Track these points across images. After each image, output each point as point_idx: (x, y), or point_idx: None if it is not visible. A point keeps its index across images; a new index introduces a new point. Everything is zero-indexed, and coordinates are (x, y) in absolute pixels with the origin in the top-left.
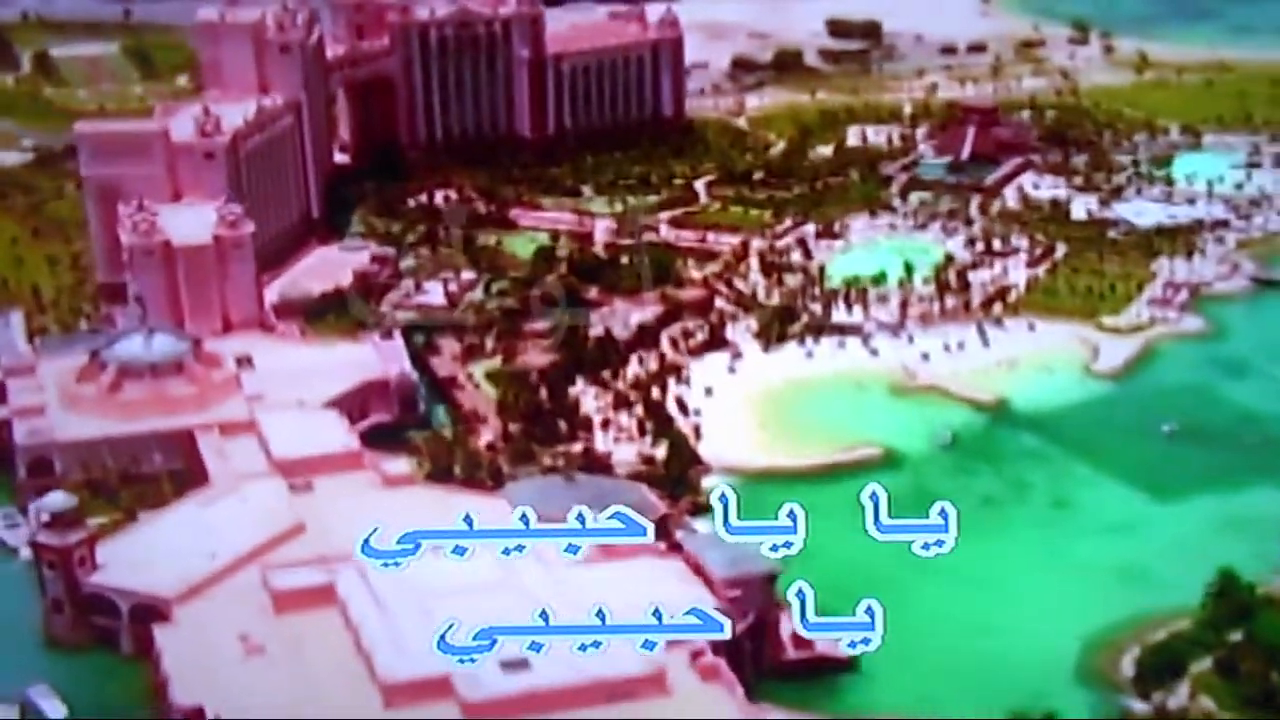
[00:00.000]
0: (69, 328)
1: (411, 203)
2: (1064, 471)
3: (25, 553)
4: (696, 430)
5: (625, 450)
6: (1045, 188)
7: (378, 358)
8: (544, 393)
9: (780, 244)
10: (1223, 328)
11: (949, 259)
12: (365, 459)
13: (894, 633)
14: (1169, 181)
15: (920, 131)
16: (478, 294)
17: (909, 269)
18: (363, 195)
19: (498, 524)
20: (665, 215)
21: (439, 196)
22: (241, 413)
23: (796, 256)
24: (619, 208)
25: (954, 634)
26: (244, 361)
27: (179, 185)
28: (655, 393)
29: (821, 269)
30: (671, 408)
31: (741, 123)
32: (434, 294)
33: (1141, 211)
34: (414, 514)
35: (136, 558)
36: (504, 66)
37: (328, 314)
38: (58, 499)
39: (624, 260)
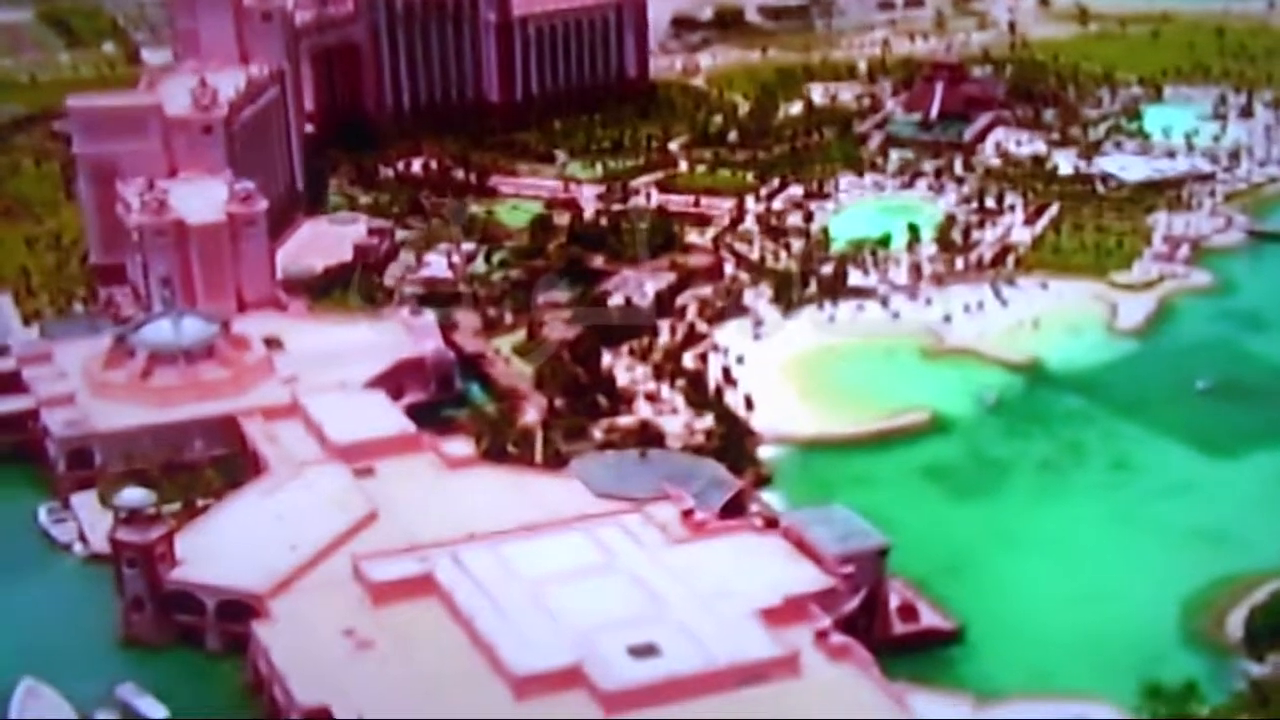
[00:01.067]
0: (62, 310)
1: (387, 171)
2: (1113, 432)
3: (79, 547)
4: (748, 401)
5: (671, 423)
6: (1023, 143)
7: (409, 335)
8: (578, 366)
9: (775, 207)
10: (1229, 282)
11: (951, 219)
12: (424, 441)
13: (989, 602)
14: (1145, 135)
15: (882, 88)
16: (479, 265)
17: (914, 230)
18: (333, 165)
19: (570, 501)
20: (648, 179)
21: (416, 165)
22: (282, 396)
23: (793, 219)
24: (597, 172)
25: (1049, 603)
26: (273, 343)
27: (175, 161)
28: (688, 362)
29: (825, 231)
30: (713, 377)
31: (699, 83)
32: (437, 267)
33: (1126, 166)
34: (486, 496)
35: (214, 551)
36: (471, 31)
37: (332, 290)
38: (138, 495)
39: (623, 227)
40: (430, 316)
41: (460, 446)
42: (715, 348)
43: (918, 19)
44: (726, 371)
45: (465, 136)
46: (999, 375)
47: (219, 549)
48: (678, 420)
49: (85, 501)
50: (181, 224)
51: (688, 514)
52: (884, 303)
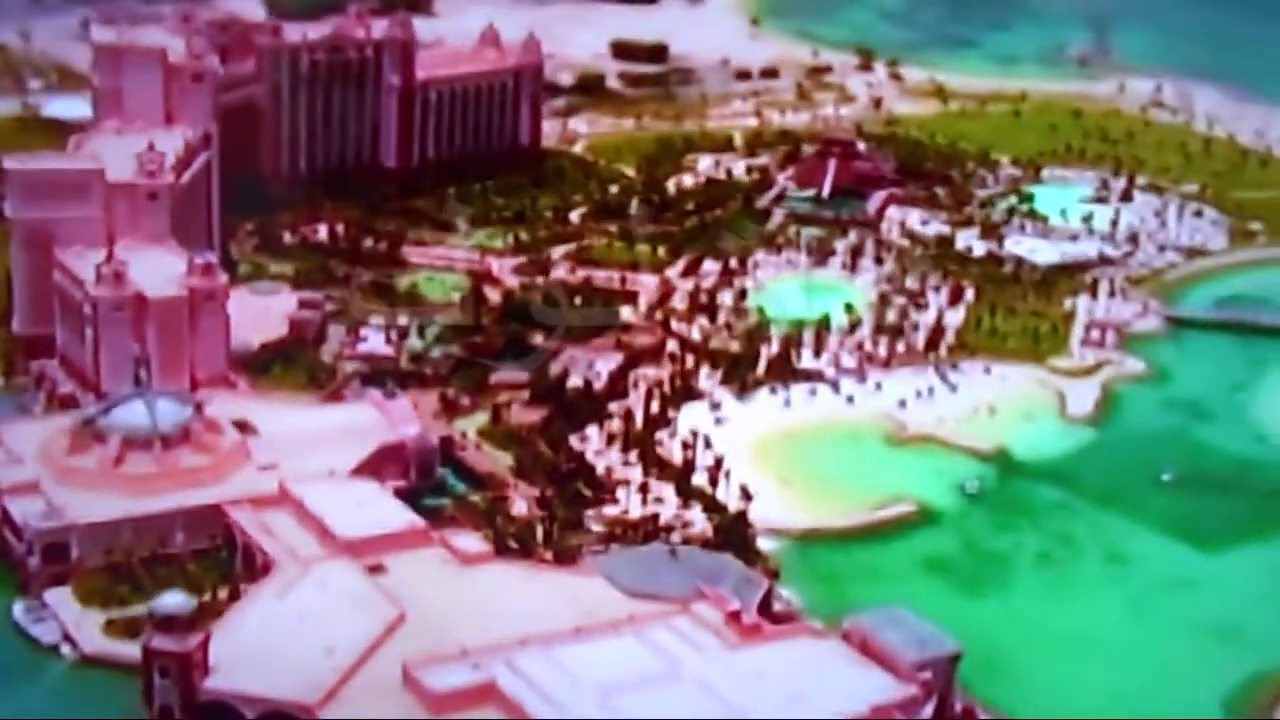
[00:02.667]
0: None
1: (289, 238)
2: (1098, 524)
3: (67, 650)
4: (745, 492)
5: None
6: (924, 223)
7: (384, 419)
8: (545, 450)
9: (693, 283)
10: (1161, 369)
11: (884, 299)
12: (432, 535)
13: (1033, 704)
14: (1042, 218)
15: (764, 160)
16: (414, 341)
17: (850, 310)
18: (230, 230)
19: (602, 601)
20: (560, 251)
21: (322, 231)
22: (267, 485)
23: (720, 297)
24: (502, 243)
25: (1093, 702)
26: (244, 426)
27: (115, 228)
28: (652, 446)
29: (761, 310)
30: (682, 462)
31: (579, 150)
32: (374, 342)
33: (1035, 249)
34: (511, 596)
35: (243, 657)
36: (373, 94)
37: (272, 367)
38: (177, 600)
39: (563, 304)
40: (405, 399)
41: (471, 541)
42: (694, 435)
43: (779, 89)
44: (719, 462)
45: (361, 202)
46: (967, 463)
47: (248, 655)
48: (665, 510)
49: (62, 598)
50: (141, 297)
51: (734, 616)
52: (834, 387)
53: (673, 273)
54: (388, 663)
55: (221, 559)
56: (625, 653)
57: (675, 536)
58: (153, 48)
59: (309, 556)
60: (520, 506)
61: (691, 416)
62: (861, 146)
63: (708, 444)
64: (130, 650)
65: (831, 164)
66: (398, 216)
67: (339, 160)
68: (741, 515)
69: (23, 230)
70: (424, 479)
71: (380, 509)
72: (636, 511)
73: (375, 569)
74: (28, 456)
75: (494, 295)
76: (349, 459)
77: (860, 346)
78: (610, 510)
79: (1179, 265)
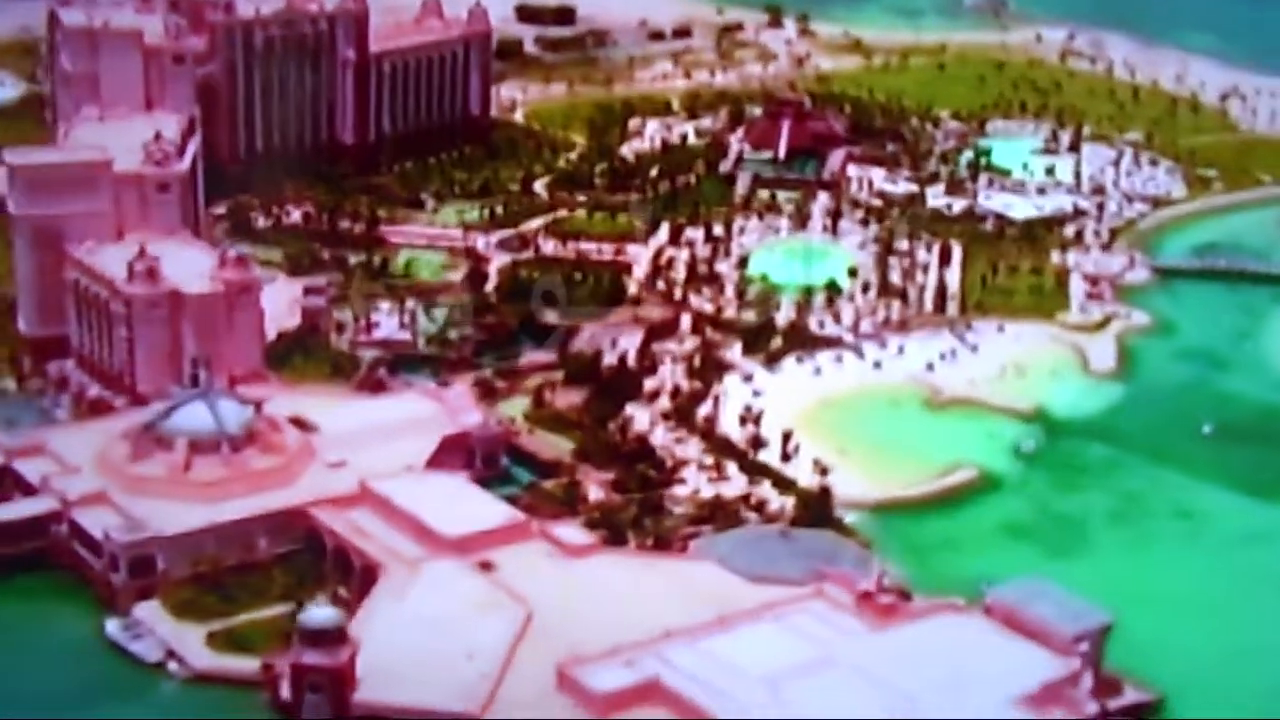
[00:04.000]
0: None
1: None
2: (1157, 480)
3: (175, 667)
4: (819, 466)
5: (726, 490)
6: (894, 182)
7: (442, 409)
8: (603, 432)
9: (688, 252)
10: (1165, 320)
11: (882, 261)
12: (534, 527)
13: (1169, 667)
14: (1004, 172)
15: (708, 123)
16: (426, 325)
17: (853, 274)
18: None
19: (723, 587)
20: (536, 225)
21: (295, 214)
22: (342, 484)
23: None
24: (471, 218)
25: (1227, 662)
26: (301, 423)
27: (124, 222)
28: (710, 423)
29: (765, 278)
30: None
31: (518, 118)
32: (388, 328)
33: (1010, 204)
34: (630, 587)
35: (384, 667)
36: (328, 69)
37: (291, 358)
38: (327, 614)
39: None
40: (461, 388)
41: (575, 533)
42: (748, 409)
43: (698, 49)
44: (788, 436)
45: (321, 181)
46: (1010, 424)
47: (388, 664)
48: (732, 489)
49: (154, 613)
50: (177, 294)
51: (866, 596)
52: (858, 353)
53: (654, 242)
54: (530, 664)
55: (306, 563)
56: (773, 640)
57: (756, 516)
58: (129, 30)
59: (415, 557)
60: (595, 493)
61: (728, 390)
62: (808, 106)
63: (759, 419)
64: (243, 664)
65: (785, 125)
66: (360, 194)
67: (296, 139)
68: (825, 491)
69: (29, 227)
70: (489, 469)
71: (472, 503)
72: (707, 492)
73: (485, 566)
74: (84, 466)
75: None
76: (417, 452)
77: (875, 311)
78: (678, 491)
79: (1148, 215)
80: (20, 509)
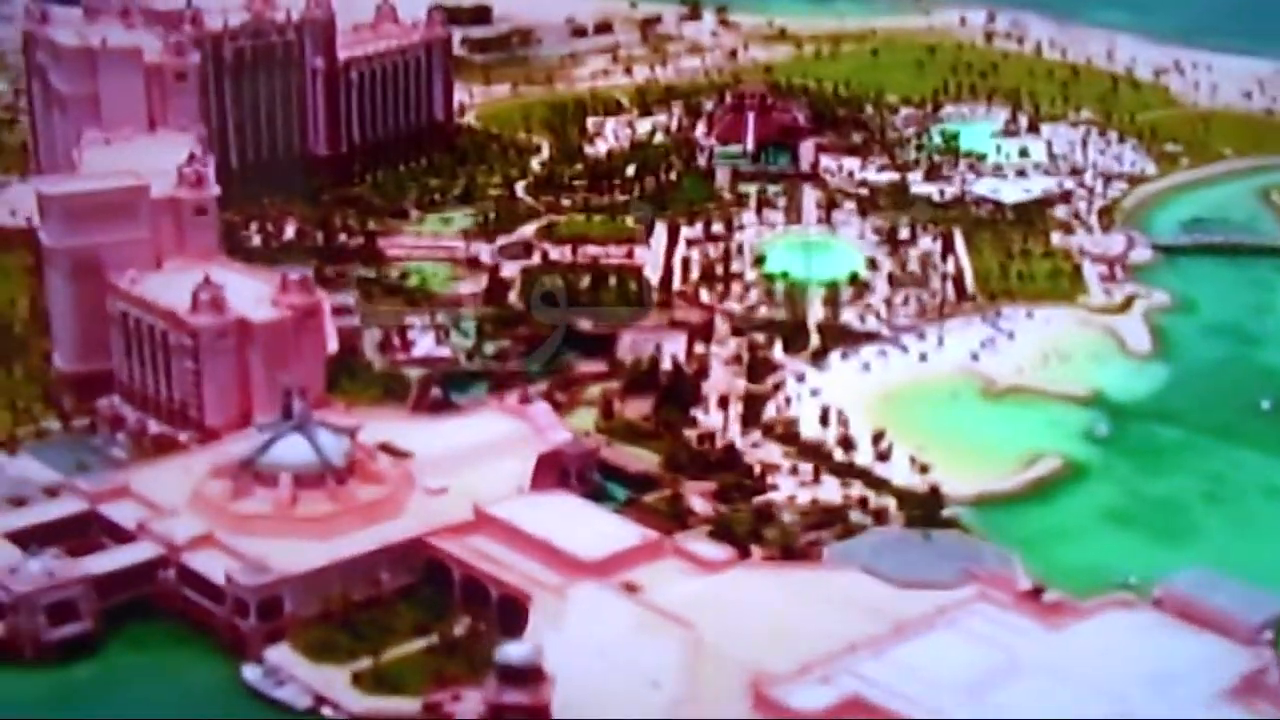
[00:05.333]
0: (42, 434)
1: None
2: (1236, 461)
3: (329, 712)
4: (920, 464)
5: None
6: (874, 171)
7: (529, 426)
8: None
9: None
10: (1185, 298)
11: (901, 254)
12: (667, 544)
13: None
14: (979, 156)
15: (663, 118)
16: (460, 339)
17: (873, 266)
18: None
19: (875, 594)
20: (530, 230)
21: (289, 230)
22: (454, 511)
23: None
24: (457, 226)
25: None
26: (393, 450)
27: (162, 248)
28: (792, 425)
29: (786, 274)
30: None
31: (472, 121)
32: (425, 345)
33: (995, 189)
34: (784, 599)
35: (568, 700)
36: (298, 80)
37: (338, 380)
38: (525, 650)
39: (581, 284)
40: (543, 405)
41: (709, 547)
42: (826, 408)
43: (626, 45)
44: (879, 435)
45: (297, 195)
46: (1071, 410)
47: (573, 698)
48: (825, 491)
49: (286, 657)
50: (244, 323)
51: (1027, 595)
52: (900, 346)
53: (656, 242)
54: (713, 688)
55: (430, 595)
56: (957, 647)
57: (864, 517)
58: (129, 48)
59: (556, 584)
60: (697, 504)
61: (790, 391)
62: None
63: (846, 420)
64: (401, 705)
65: (750, 118)
66: (339, 207)
67: (270, 152)
68: (934, 490)
69: (66, 259)
70: (584, 486)
71: (598, 523)
72: (802, 497)
73: (630, 588)
74: (178, 507)
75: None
76: (515, 474)
77: (906, 302)
78: (774, 496)
79: (1128, 193)
80: (124, 556)
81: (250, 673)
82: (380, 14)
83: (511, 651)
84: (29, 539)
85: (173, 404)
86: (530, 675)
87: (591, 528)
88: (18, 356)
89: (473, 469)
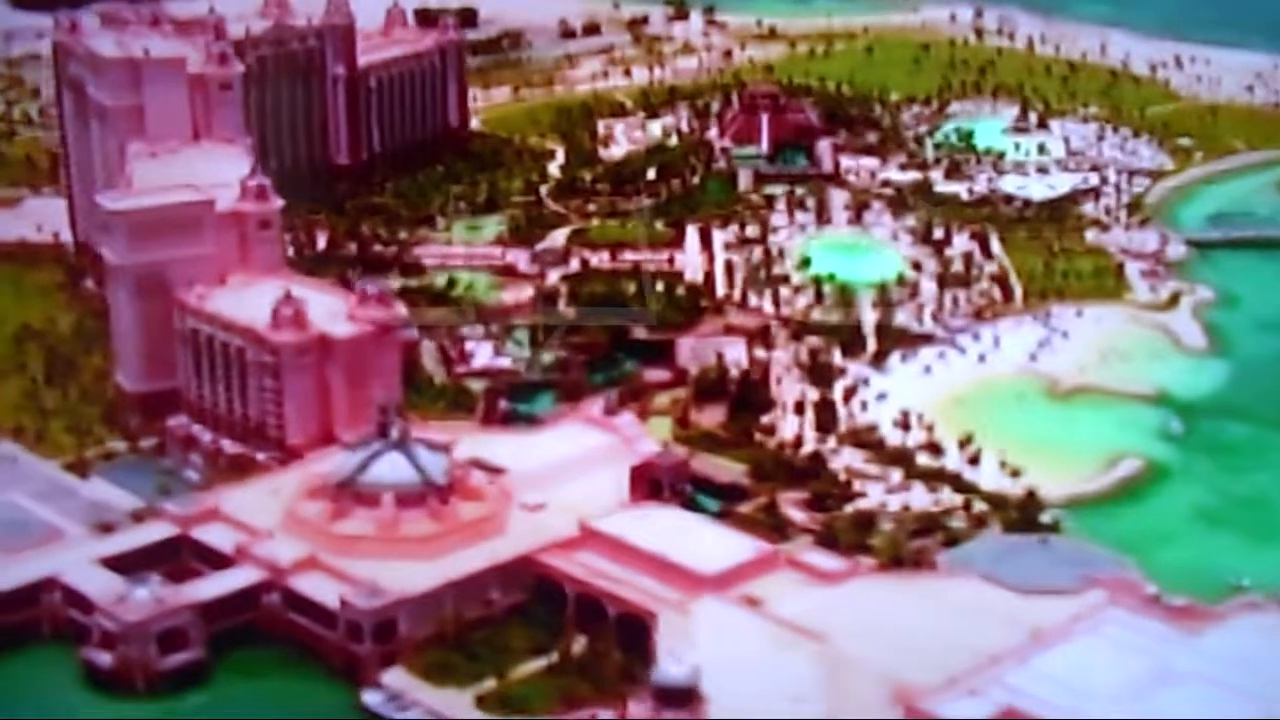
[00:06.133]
0: (111, 455)
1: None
2: None
3: None
4: (1013, 469)
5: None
6: (898, 170)
7: (618, 438)
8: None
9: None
10: (1225, 293)
11: (945, 256)
12: (781, 556)
13: None
14: (999, 154)
15: (670, 120)
16: (516, 349)
17: (918, 268)
18: None
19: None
20: (561, 236)
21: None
22: (557, 526)
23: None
24: (488, 233)
25: None
26: (485, 466)
27: (227, 263)
28: (870, 430)
29: (832, 276)
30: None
31: (478, 125)
32: (484, 356)
33: (1022, 186)
34: (904, 609)
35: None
36: (319, 87)
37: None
38: (683, 671)
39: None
40: (628, 415)
41: (824, 558)
42: (905, 414)
43: (621, 47)
44: (966, 440)
45: (321, 204)
46: (1140, 409)
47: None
48: (913, 497)
49: (404, 680)
50: (326, 339)
51: (1155, 599)
52: (958, 347)
53: (690, 246)
54: (855, 701)
55: (541, 613)
56: (1100, 655)
57: (961, 523)
58: (174, 58)
59: (676, 599)
60: (797, 514)
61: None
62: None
63: (931, 425)
64: None
65: (764, 118)
66: (363, 216)
67: (292, 161)
68: (1031, 494)
69: (133, 277)
70: (676, 497)
71: (708, 536)
72: (892, 503)
73: (752, 602)
74: (274, 529)
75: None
76: (610, 487)
77: (957, 303)
78: (863, 504)
79: (1150, 189)
80: (228, 581)
81: (371, 698)
82: (390, 19)
83: (670, 672)
84: (121, 565)
85: (248, 423)
86: (689, 696)
87: (703, 541)
88: (69, 376)
89: (567, 483)
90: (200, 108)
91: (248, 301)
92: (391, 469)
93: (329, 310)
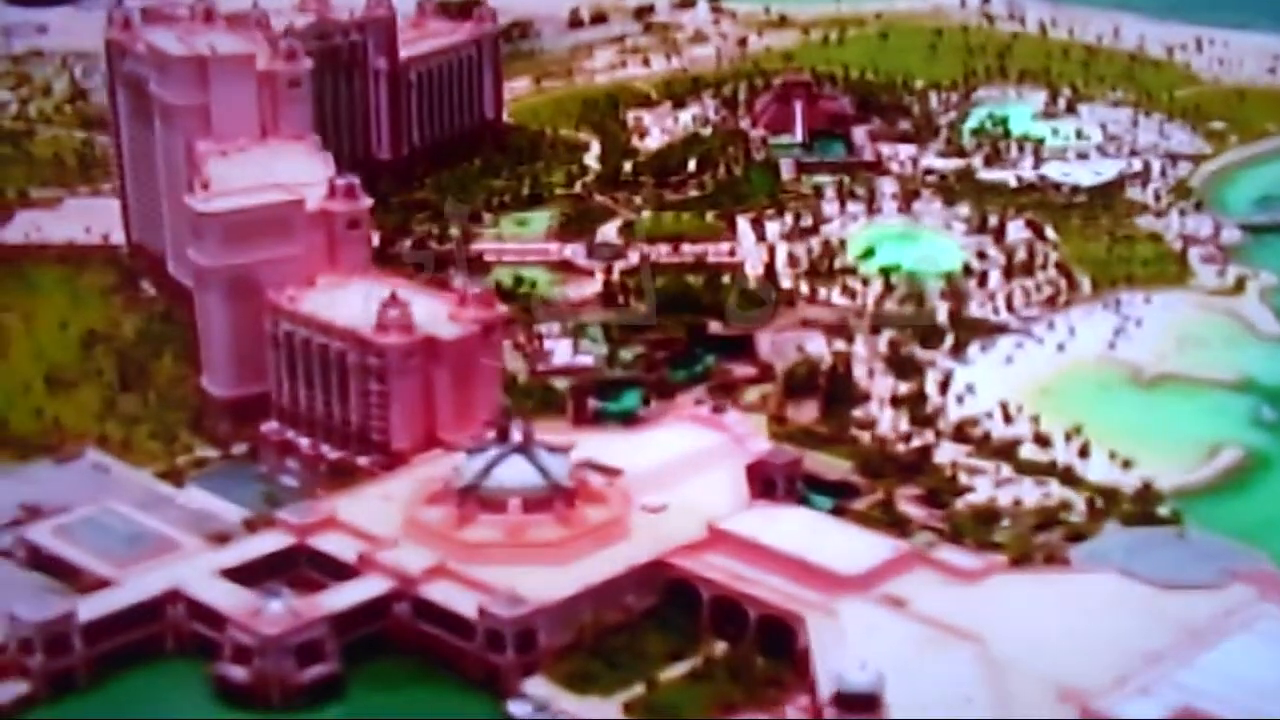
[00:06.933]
0: (203, 463)
1: None
2: None
3: None
4: (1125, 460)
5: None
6: (931, 158)
7: (726, 436)
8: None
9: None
10: None
11: (1007, 244)
12: (917, 556)
13: None
14: (1037, 140)
15: (696, 111)
16: (592, 346)
17: (983, 256)
18: None
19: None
20: (611, 230)
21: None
22: (684, 528)
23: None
24: (538, 228)
25: None
26: (600, 467)
27: (316, 264)
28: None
29: (899, 266)
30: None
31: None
32: (564, 354)
33: (1068, 172)
34: (1048, 606)
35: None
36: (361, 82)
37: None
38: (868, 677)
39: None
40: (735, 413)
41: (961, 556)
42: (1005, 405)
43: (629, 36)
44: (1073, 432)
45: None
46: (1227, 397)
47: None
48: (1022, 490)
49: (545, 690)
50: (432, 340)
51: None
52: (1035, 337)
53: (746, 236)
54: (1023, 703)
55: (674, 617)
56: (1266, 651)
57: (1077, 516)
58: (242, 54)
59: (821, 602)
60: (915, 510)
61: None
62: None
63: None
64: None
65: (799, 106)
66: (407, 211)
67: (335, 157)
68: (1148, 486)
69: (223, 279)
70: (789, 496)
71: (839, 535)
72: (1002, 497)
73: (896, 602)
74: (394, 535)
75: (592, 286)
76: (725, 486)
77: (1028, 292)
78: (972, 499)
79: (1193, 173)
80: (360, 591)
81: (518, 708)
82: (421, 10)
83: (853, 677)
84: (240, 576)
85: (348, 427)
86: (872, 702)
87: (837, 540)
88: (143, 382)
89: (683, 484)
90: (268, 105)
91: (342, 303)
92: (516, 473)
93: (429, 311)
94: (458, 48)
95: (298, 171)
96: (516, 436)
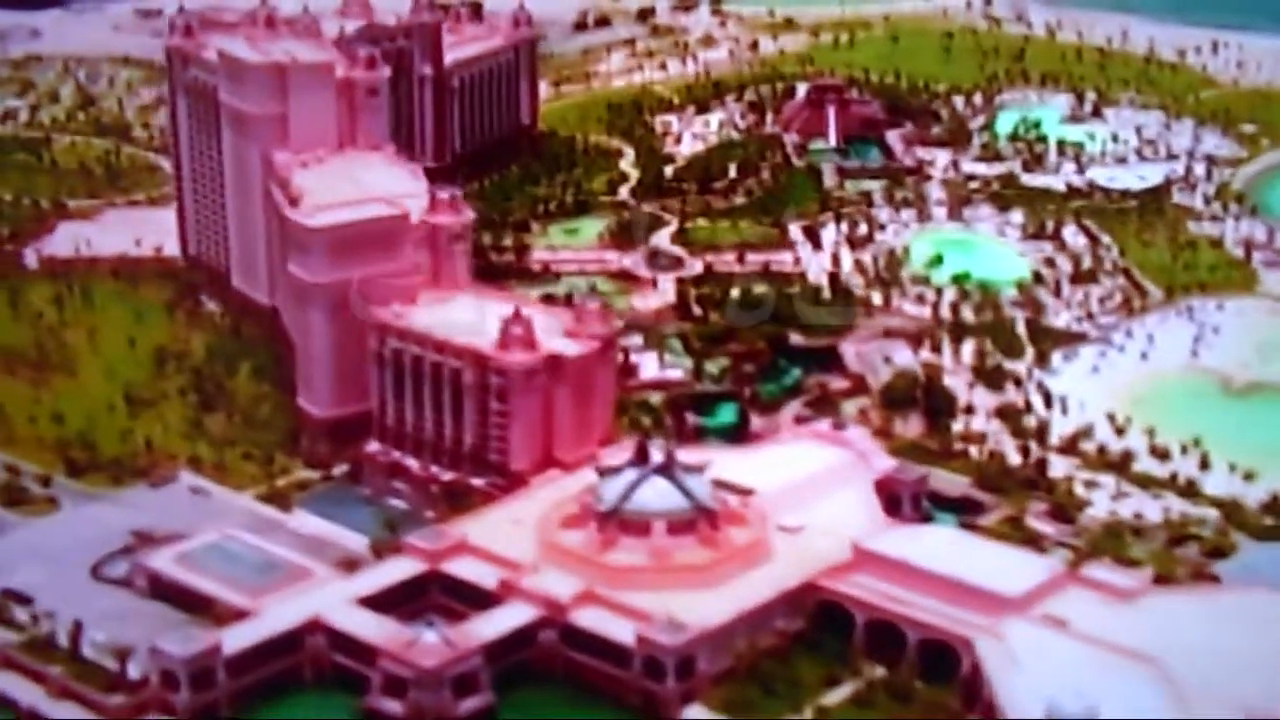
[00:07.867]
0: (305, 485)
1: None
2: None
3: None
4: (1245, 473)
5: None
6: (969, 163)
7: (850, 453)
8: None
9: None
10: None
11: (1073, 253)
12: (1069, 575)
13: None
14: (1076, 145)
15: (722, 115)
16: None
17: (1051, 264)
18: None
19: None
20: (664, 237)
21: None
22: (828, 550)
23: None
24: (582, 237)
25: None
26: (733, 487)
27: (419, 279)
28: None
29: (968, 275)
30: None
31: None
32: (649, 369)
33: (1112, 177)
34: (1212, 623)
35: None
36: (407, 88)
37: None
38: (1084, 704)
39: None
40: (855, 429)
41: (1115, 575)
42: (1112, 417)
43: (638, 39)
44: (1190, 444)
45: None
46: None
47: None
48: (1141, 504)
49: (705, 717)
50: (556, 358)
51: None
52: (1115, 346)
53: (801, 245)
54: None
55: (825, 641)
56: None
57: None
58: (321, 63)
59: (985, 624)
60: (1044, 526)
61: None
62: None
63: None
64: None
65: (831, 112)
66: None
67: None
68: (1277, 498)
69: (328, 295)
70: (915, 514)
71: (989, 554)
72: (1123, 511)
73: (1057, 623)
74: (532, 560)
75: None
76: (857, 504)
77: (1103, 300)
78: (1093, 513)
79: (1234, 176)
80: (508, 619)
81: None
82: (457, 15)
83: (1066, 704)
84: (377, 604)
85: (460, 447)
86: None
87: (988, 560)
88: (225, 401)
89: (815, 503)
90: (345, 114)
91: (449, 318)
92: (659, 495)
93: (545, 327)
94: (497, 53)
95: (389, 183)
96: (656, 457)
